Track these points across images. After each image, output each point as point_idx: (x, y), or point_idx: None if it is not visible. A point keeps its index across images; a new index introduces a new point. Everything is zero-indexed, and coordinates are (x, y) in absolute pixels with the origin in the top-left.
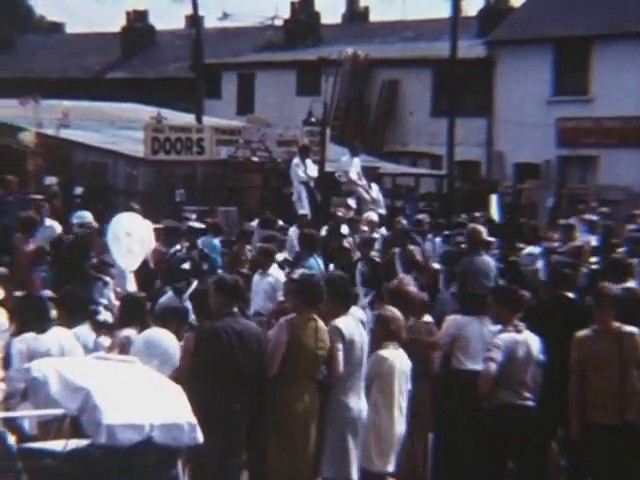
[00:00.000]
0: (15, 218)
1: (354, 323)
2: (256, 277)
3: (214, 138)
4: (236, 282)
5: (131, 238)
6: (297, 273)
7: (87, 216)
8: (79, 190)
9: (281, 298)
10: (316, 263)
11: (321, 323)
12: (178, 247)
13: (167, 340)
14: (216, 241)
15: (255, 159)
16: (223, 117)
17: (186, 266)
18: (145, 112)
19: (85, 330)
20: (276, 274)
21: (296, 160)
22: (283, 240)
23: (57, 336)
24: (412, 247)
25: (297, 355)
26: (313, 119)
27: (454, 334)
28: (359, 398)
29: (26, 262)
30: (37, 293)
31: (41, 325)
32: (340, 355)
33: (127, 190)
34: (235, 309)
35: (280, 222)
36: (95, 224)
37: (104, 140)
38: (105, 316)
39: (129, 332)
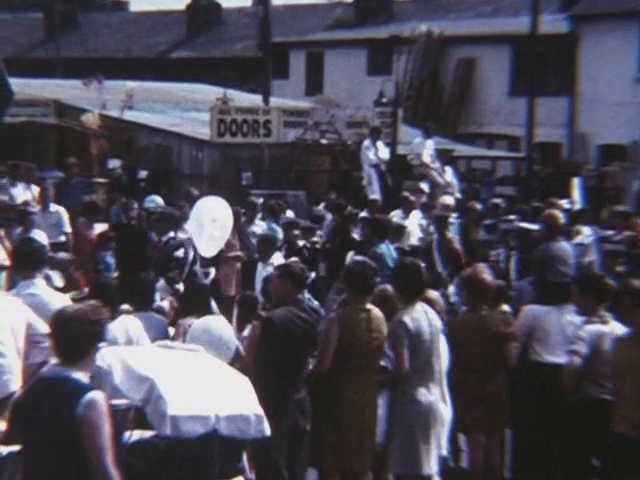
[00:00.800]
0: (78, 202)
1: (422, 314)
2: (259, 267)
3: (281, 120)
4: (302, 270)
5: (215, 224)
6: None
7: (158, 200)
8: (143, 174)
9: None
10: (387, 249)
11: (375, 312)
12: (172, 235)
13: (222, 328)
14: (276, 226)
15: (324, 141)
16: (291, 98)
17: (179, 254)
18: (211, 93)
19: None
20: (278, 263)
21: (366, 142)
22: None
23: (124, 324)
24: (452, 235)
25: (350, 349)
26: (384, 99)
27: (532, 325)
28: (429, 391)
29: (89, 247)
30: (104, 279)
31: (109, 312)
32: (404, 351)
33: (192, 174)
34: (300, 296)
35: (349, 207)
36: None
37: (169, 122)
38: (162, 304)
39: (193, 320)
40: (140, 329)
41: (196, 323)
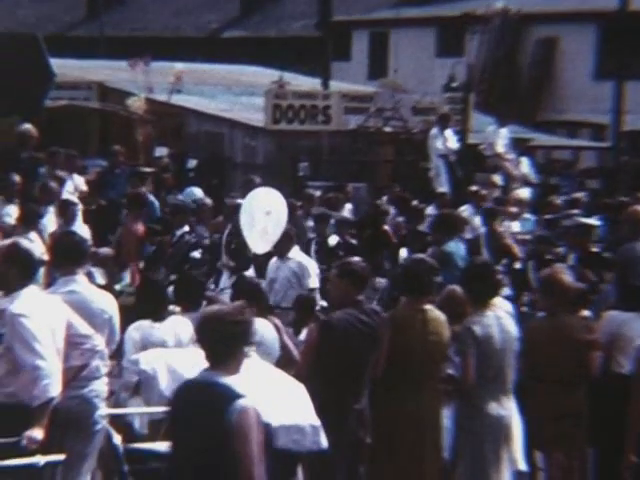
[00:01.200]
0: (122, 193)
1: (493, 320)
2: (273, 263)
3: (342, 105)
4: (363, 268)
5: (269, 218)
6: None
7: (198, 192)
8: (193, 163)
9: (311, 285)
10: (457, 248)
11: (433, 313)
12: (186, 229)
13: (263, 329)
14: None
15: (388, 129)
16: (353, 82)
17: (196, 254)
18: (266, 76)
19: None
20: (298, 258)
21: (434, 130)
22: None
23: (174, 326)
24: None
25: (405, 354)
26: (455, 84)
27: (613, 333)
28: (500, 404)
29: (135, 242)
30: (153, 277)
31: (158, 312)
32: (470, 359)
33: (245, 163)
34: (361, 297)
35: (415, 201)
36: (208, 200)
37: (220, 107)
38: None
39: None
40: (191, 331)
41: None
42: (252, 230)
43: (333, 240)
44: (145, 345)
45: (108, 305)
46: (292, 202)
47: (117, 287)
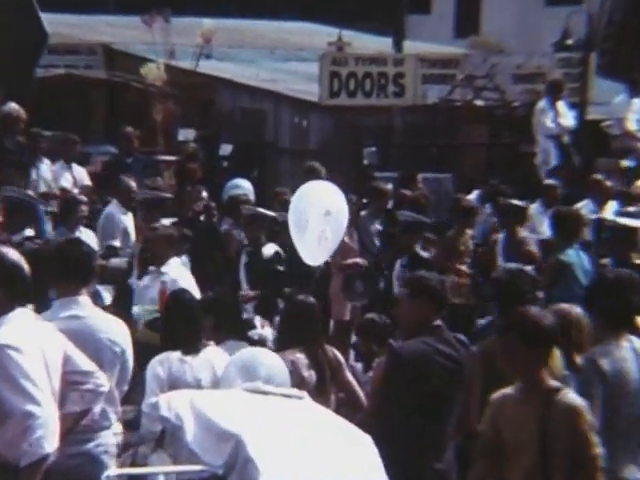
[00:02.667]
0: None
1: (629, 353)
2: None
3: (419, 73)
4: (441, 283)
5: (329, 219)
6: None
7: (245, 186)
8: (227, 149)
9: None
10: (577, 257)
11: None
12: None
13: (271, 362)
14: None
15: (480, 103)
16: (433, 41)
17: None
18: (320, 35)
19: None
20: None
21: (543, 103)
22: None
23: (211, 360)
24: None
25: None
26: (570, 41)
27: None
28: (637, 465)
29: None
30: (183, 296)
31: (191, 342)
32: (595, 403)
33: (293, 149)
34: (439, 322)
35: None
36: (251, 196)
37: (261, 76)
38: (262, 331)
39: (295, 355)
40: None
41: (234, 357)
42: (305, 236)
43: (269, 250)
44: (173, 384)
45: (119, 335)
46: (354, 199)
47: (135, 309)
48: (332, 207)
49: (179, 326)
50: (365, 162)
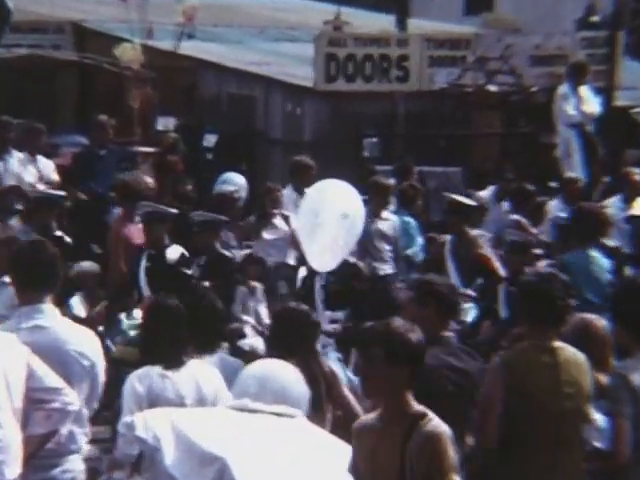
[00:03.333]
0: (111, 183)
1: None
2: None
3: (426, 55)
4: (451, 289)
5: (345, 223)
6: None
7: (237, 181)
8: (211, 139)
9: None
10: (598, 259)
11: (567, 354)
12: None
13: (286, 375)
14: (411, 219)
15: (493, 88)
16: (441, 19)
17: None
18: (316, 12)
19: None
20: None
21: (564, 88)
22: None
23: (195, 375)
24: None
25: (524, 415)
26: (595, 18)
27: None
28: None
29: (131, 252)
30: (166, 303)
31: (174, 355)
32: (625, 424)
33: (286, 140)
34: (448, 332)
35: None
36: (243, 192)
37: (250, 59)
38: (253, 341)
39: None
40: (218, 382)
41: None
42: (317, 240)
43: (173, 253)
44: (153, 402)
45: (88, 347)
46: None
47: (124, 324)
48: (350, 210)
49: (160, 337)
50: (365, 154)
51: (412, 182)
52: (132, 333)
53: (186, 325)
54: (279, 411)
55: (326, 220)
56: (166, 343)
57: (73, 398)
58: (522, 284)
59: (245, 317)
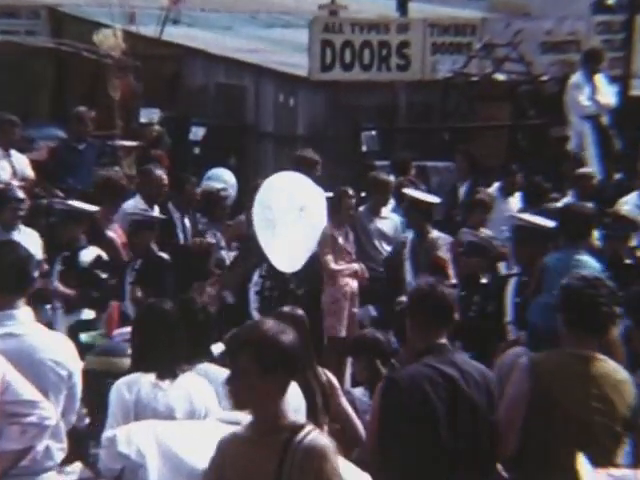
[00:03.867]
0: (90, 179)
1: None
2: None
3: (428, 41)
4: (443, 294)
5: (302, 216)
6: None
7: (226, 178)
8: (198, 133)
9: None
10: (567, 262)
11: (604, 367)
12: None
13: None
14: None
15: (501, 77)
16: (445, 3)
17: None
18: None
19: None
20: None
21: (577, 77)
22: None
23: (187, 387)
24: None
25: (553, 423)
26: (611, 0)
27: None
28: None
29: (114, 254)
30: (160, 307)
31: (169, 364)
32: None
33: (278, 133)
34: (444, 340)
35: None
36: (231, 190)
37: (240, 46)
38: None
39: None
40: (210, 395)
41: None
42: (274, 237)
43: (88, 255)
44: (141, 412)
45: (65, 355)
46: (347, 192)
47: (83, 337)
48: (306, 202)
49: (154, 343)
50: (363, 149)
51: (410, 177)
52: (100, 342)
53: (183, 331)
54: None
55: (277, 216)
56: (162, 350)
57: (50, 412)
58: (565, 287)
59: None
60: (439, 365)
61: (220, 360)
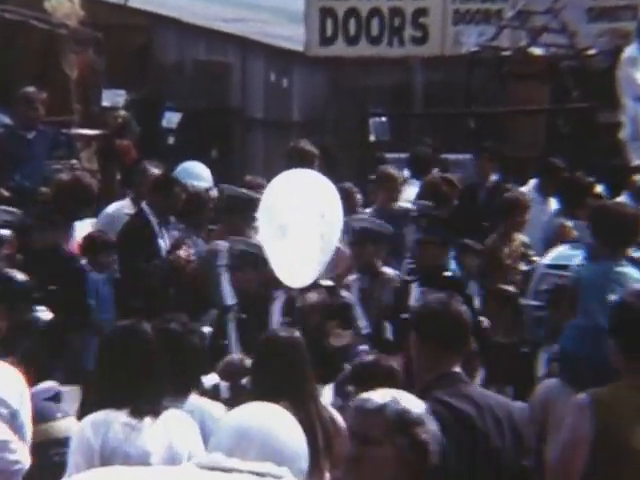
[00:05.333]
0: (41, 174)
1: None
2: None
3: (450, 8)
4: (459, 313)
5: (322, 224)
6: None
7: (201, 171)
8: (173, 119)
9: None
10: (602, 273)
11: None
12: None
13: (274, 425)
14: None
15: (538, 51)
16: None
17: None
18: None
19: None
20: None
21: (632, 50)
22: None
23: (168, 426)
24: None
25: (621, 463)
26: None
27: None
28: None
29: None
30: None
31: (145, 398)
32: None
33: (269, 119)
34: (457, 368)
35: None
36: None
37: (222, 14)
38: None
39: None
40: (194, 437)
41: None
42: (284, 247)
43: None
44: (108, 458)
45: (10, 390)
46: (352, 189)
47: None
48: (326, 206)
49: (127, 373)
50: (372, 138)
51: (444, 175)
52: None
53: (163, 358)
54: (261, 470)
55: (294, 221)
56: (136, 380)
57: (22, 455)
58: (620, 306)
59: None
60: (450, 400)
61: (212, 393)
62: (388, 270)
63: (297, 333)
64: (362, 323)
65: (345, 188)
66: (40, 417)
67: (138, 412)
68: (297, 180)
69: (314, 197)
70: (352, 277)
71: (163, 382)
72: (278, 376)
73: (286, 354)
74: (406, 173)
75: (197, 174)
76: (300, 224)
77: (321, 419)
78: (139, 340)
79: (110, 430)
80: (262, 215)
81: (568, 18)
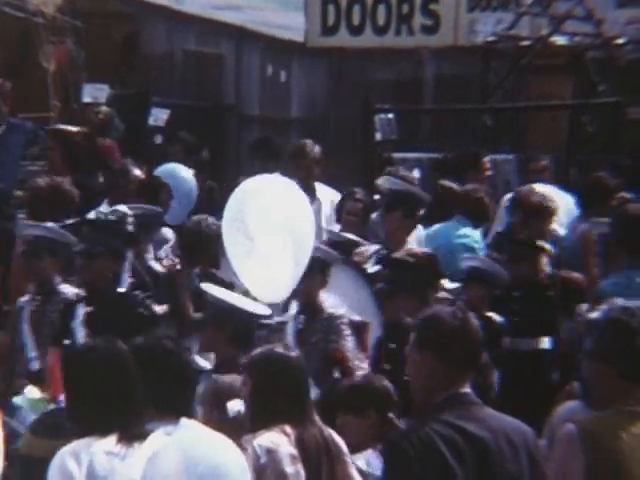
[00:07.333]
0: (16, 177)
1: None
2: None
3: None
4: (476, 330)
5: (289, 233)
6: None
7: (183, 173)
8: (161, 116)
9: None
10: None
11: None
12: None
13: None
14: (473, 231)
15: (562, 41)
16: None
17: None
18: None
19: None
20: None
21: None
22: None
23: (157, 454)
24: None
25: None
26: None
27: None
28: None
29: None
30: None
31: (127, 423)
32: None
33: (266, 116)
34: (467, 389)
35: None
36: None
37: (213, 1)
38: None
39: (274, 439)
40: (183, 464)
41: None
42: (250, 257)
43: None
44: None
45: None
46: (360, 194)
47: (18, 401)
48: (291, 212)
49: (108, 396)
50: (378, 137)
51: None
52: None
53: (141, 379)
54: None
55: (256, 227)
56: (117, 405)
57: None
58: (596, 323)
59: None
60: (461, 422)
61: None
62: None
63: (295, 352)
64: None
65: (348, 191)
66: (59, 430)
67: (124, 438)
68: (270, 184)
69: (282, 206)
70: None
71: (140, 405)
72: (277, 399)
73: (284, 375)
74: (416, 174)
75: (178, 176)
76: (268, 236)
77: (324, 442)
78: (114, 363)
79: (94, 459)
80: (225, 222)
81: (594, 4)
